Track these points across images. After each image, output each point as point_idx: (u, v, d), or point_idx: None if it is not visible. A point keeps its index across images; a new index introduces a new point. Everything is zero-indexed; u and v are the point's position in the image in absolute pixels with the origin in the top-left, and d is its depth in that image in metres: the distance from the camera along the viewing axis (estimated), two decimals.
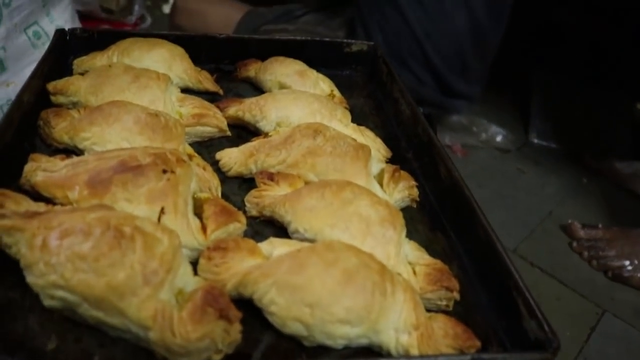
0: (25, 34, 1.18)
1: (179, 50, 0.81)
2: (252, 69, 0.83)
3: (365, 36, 1.22)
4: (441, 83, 1.29)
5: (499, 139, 1.47)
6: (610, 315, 1.09)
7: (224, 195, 0.64)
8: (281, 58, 0.82)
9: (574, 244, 1.23)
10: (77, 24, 1.33)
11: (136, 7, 1.75)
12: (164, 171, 0.55)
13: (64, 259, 0.44)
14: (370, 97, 0.87)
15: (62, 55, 0.83)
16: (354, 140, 0.66)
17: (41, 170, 0.57)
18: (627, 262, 1.18)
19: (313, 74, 0.80)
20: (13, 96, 1.17)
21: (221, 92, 0.81)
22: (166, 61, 0.78)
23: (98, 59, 0.79)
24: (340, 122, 0.71)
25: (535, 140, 1.54)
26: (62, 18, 1.28)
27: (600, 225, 1.25)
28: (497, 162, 1.44)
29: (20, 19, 1.14)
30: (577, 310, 1.10)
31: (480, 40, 1.26)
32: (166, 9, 1.85)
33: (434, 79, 1.27)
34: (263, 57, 0.85)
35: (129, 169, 0.54)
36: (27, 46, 1.19)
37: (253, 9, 1.40)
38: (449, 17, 1.20)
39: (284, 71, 0.79)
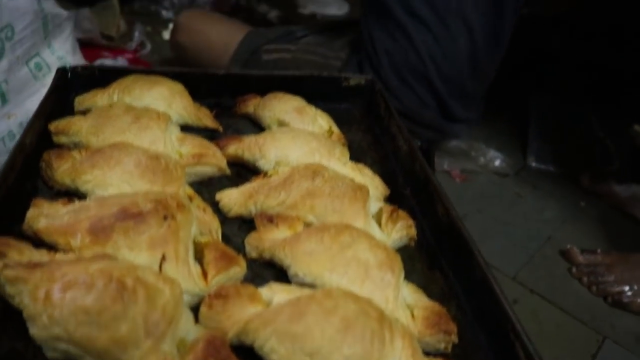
0: (27, 66, 1.19)
1: (178, 88, 0.82)
2: (251, 105, 0.84)
3: (371, 58, 1.24)
4: (442, 106, 1.31)
5: (497, 163, 1.48)
6: (611, 342, 1.09)
7: (225, 237, 0.64)
8: (279, 94, 0.83)
9: (574, 269, 1.23)
10: (78, 55, 1.35)
11: (136, 34, 1.78)
12: (165, 217, 0.56)
13: (67, 312, 0.45)
14: (368, 131, 0.88)
15: (63, 92, 0.84)
16: (352, 181, 0.67)
17: (43, 216, 0.57)
18: (626, 288, 1.18)
19: (311, 110, 0.81)
20: (14, 128, 1.20)
21: (220, 128, 0.82)
22: (166, 99, 0.79)
23: (99, 97, 0.80)
24: (339, 161, 0.72)
25: (534, 164, 1.55)
26: (64, 49, 1.30)
27: (599, 251, 1.25)
28: (496, 187, 1.45)
29: (22, 51, 1.16)
30: (578, 337, 1.10)
31: (479, 64, 1.28)
32: (166, 35, 1.86)
33: (436, 102, 1.29)
34: (262, 92, 0.86)
35: (130, 216, 0.55)
36: (29, 78, 1.20)
37: (254, 29, 1.42)
38: (453, 41, 1.22)
39: (283, 108, 0.80)
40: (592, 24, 1.78)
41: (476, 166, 1.47)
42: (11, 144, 1.19)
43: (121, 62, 1.67)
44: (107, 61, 1.67)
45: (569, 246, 1.27)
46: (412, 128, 1.35)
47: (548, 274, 1.22)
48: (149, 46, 1.77)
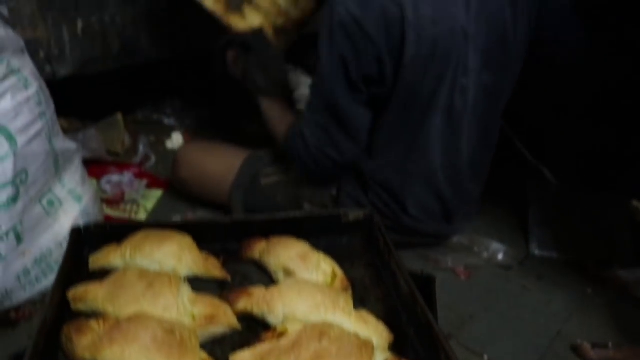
0: (40, 204, 1.25)
1: (187, 242, 0.86)
2: (257, 251, 0.88)
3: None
4: (446, 210, 1.37)
5: (500, 256, 1.50)
6: None
7: None
8: (284, 240, 0.87)
9: None
10: (87, 184, 1.40)
11: (141, 147, 1.85)
12: None
13: None
14: (371, 266, 0.91)
15: (78, 250, 0.88)
16: (358, 337, 0.70)
17: None
18: None
19: (315, 255, 0.85)
20: (29, 264, 1.24)
21: (229, 278, 0.86)
22: (176, 255, 0.84)
23: (112, 257, 0.84)
24: (344, 312, 0.75)
25: (537, 252, 1.57)
26: (74, 181, 1.35)
27: (610, 345, 1.26)
28: (501, 281, 1.47)
29: (35, 191, 1.21)
30: None
31: (478, 163, 1.35)
32: (169, 144, 1.93)
33: (441, 208, 1.35)
34: (266, 234, 0.90)
35: None
36: (42, 215, 1.25)
37: (251, 153, 1.48)
38: (459, 149, 1.29)
39: (287, 255, 0.84)
40: (585, 107, 1.84)
41: (480, 261, 1.50)
42: (26, 281, 1.23)
43: (127, 177, 1.73)
44: (114, 177, 1.73)
45: (579, 342, 1.27)
46: (415, 241, 1.40)
47: None
48: (153, 158, 1.84)
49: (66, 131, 1.81)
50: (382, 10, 1.08)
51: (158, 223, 0.90)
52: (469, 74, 1.20)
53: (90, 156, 1.72)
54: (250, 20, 1.49)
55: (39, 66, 1.59)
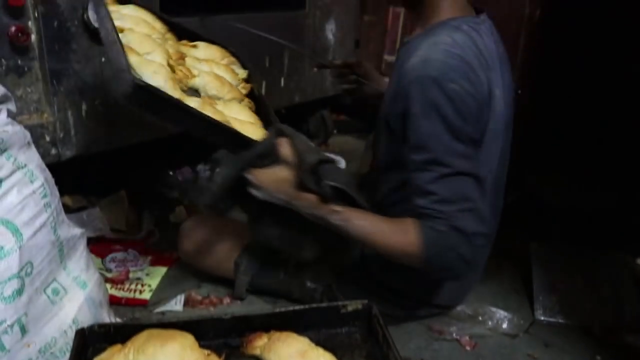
0: (45, 293, 1.25)
1: (188, 341, 0.87)
2: (258, 347, 0.89)
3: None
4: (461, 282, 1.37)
5: (505, 325, 1.50)
6: None
7: None
8: (284, 336, 0.88)
9: None
10: (92, 269, 1.41)
11: (145, 223, 1.87)
12: None
13: None
14: (370, 357, 0.92)
15: (83, 351, 0.89)
16: None
17: None
18: None
19: (314, 352, 0.86)
20: (33, 355, 1.24)
21: None
22: (178, 355, 0.84)
23: (116, 359, 0.85)
24: None
25: (542, 318, 1.56)
26: (78, 267, 1.36)
27: None
28: (507, 351, 1.45)
29: (40, 282, 1.22)
30: None
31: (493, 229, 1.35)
32: (173, 218, 1.96)
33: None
34: (267, 328, 0.91)
35: None
36: (47, 304, 1.26)
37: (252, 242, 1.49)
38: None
39: (287, 352, 0.85)
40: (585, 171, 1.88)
41: (485, 330, 1.49)
42: None
43: (132, 254, 1.75)
44: (119, 255, 1.75)
45: None
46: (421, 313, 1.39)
47: None
48: (157, 233, 1.86)
49: (70, 209, 1.85)
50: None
51: (161, 322, 0.91)
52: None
53: (95, 235, 1.74)
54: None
55: (45, 150, 1.64)
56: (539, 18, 1.65)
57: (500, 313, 1.52)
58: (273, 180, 1.13)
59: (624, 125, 1.88)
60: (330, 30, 2.44)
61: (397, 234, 1.08)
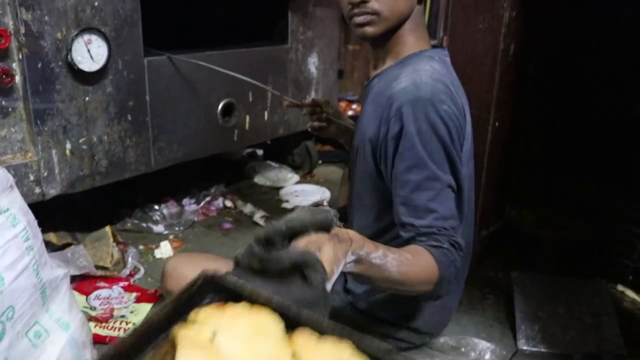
0: (27, 336, 1.25)
1: None
2: None
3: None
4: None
5: (488, 356, 1.50)
6: None
7: None
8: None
9: None
10: (75, 310, 1.41)
11: (129, 259, 1.87)
12: None
13: None
14: None
15: None
16: None
17: None
18: None
19: None
20: None
21: None
22: None
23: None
24: None
25: (525, 347, 1.58)
26: (61, 309, 1.36)
27: None
28: None
29: (22, 325, 1.22)
30: None
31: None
32: (158, 253, 1.96)
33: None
34: None
35: None
36: (28, 348, 1.25)
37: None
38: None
39: None
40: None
41: None
42: None
43: (116, 290, 1.76)
44: (103, 292, 1.75)
45: None
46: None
47: None
48: (142, 270, 1.86)
49: (54, 246, 1.86)
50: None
51: None
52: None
53: (79, 273, 1.74)
54: None
55: (29, 189, 1.65)
56: (514, 52, 1.69)
57: (483, 344, 1.53)
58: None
59: (602, 155, 1.92)
60: (313, 64, 2.49)
61: (419, 263, 1.01)
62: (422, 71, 1.13)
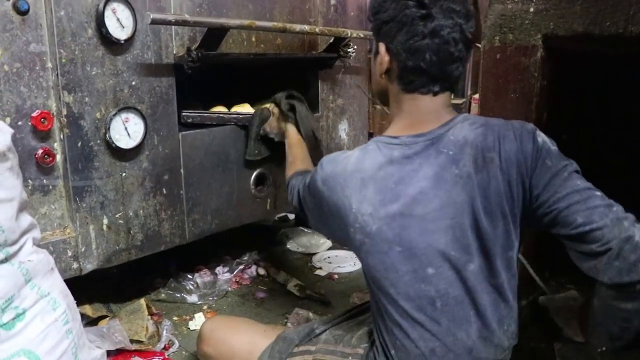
0: None
1: None
2: None
3: (383, 351, 1.28)
4: None
5: None
6: None
7: None
8: None
9: None
10: None
11: (164, 333, 1.86)
12: None
13: None
14: None
15: None
16: None
17: None
18: None
19: None
20: None
21: None
22: None
23: None
24: None
25: None
26: None
27: None
28: None
29: None
30: None
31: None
32: (192, 324, 1.95)
33: None
34: None
35: None
36: None
37: (282, 334, 1.47)
38: (449, 334, 1.26)
39: None
40: None
41: None
42: None
43: None
44: None
45: None
46: None
47: None
48: (176, 343, 1.84)
49: (90, 319, 1.86)
50: None
51: None
52: None
53: (115, 348, 1.73)
54: None
55: (67, 265, 1.67)
56: (546, 119, 1.68)
57: None
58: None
59: None
60: (343, 130, 2.52)
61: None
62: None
